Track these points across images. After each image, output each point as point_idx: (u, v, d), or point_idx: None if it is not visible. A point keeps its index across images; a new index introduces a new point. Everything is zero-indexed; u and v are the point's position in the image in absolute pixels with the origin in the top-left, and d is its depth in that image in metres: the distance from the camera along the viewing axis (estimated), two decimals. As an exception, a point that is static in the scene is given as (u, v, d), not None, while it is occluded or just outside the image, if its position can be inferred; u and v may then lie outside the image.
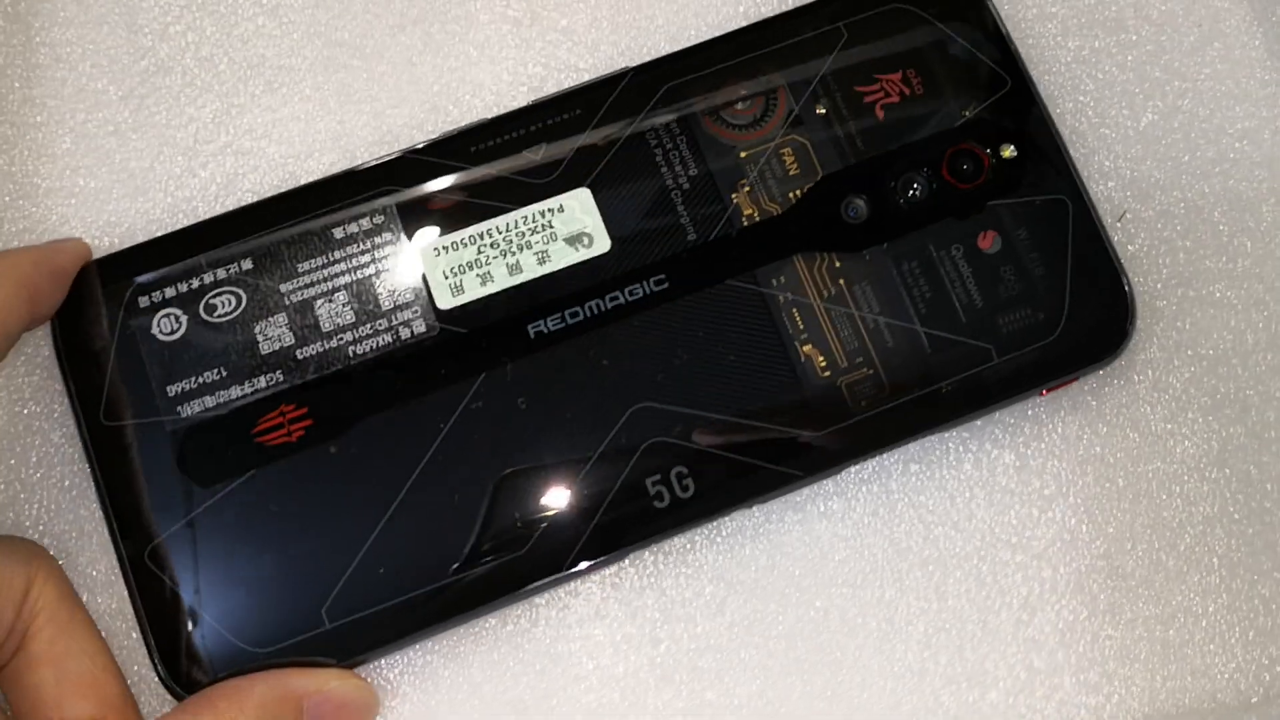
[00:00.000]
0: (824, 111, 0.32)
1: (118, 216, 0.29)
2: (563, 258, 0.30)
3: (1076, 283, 0.31)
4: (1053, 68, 0.34)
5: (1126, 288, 0.31)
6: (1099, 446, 0.32)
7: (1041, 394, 0.31)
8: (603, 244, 0.31)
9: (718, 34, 0.32)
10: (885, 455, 0.31)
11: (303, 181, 0.31)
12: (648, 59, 0.32)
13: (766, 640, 0.30)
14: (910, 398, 0.30)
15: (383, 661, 0.30)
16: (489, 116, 0.32)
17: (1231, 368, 0.32)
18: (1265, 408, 0.32)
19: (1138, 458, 0.32)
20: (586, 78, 0.33)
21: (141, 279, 0.30)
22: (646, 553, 0.30)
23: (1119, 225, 0.33)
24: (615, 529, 0.29)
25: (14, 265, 0.28)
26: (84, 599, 0.29)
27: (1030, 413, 0.32)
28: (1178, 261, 0.33)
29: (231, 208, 0.31)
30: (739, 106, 0.32)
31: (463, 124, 0.31)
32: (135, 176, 0.31)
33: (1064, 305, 0.31)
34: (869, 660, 0.30)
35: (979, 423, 0.31)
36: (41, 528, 0.30)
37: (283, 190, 0.31)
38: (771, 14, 0.33)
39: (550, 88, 0.33)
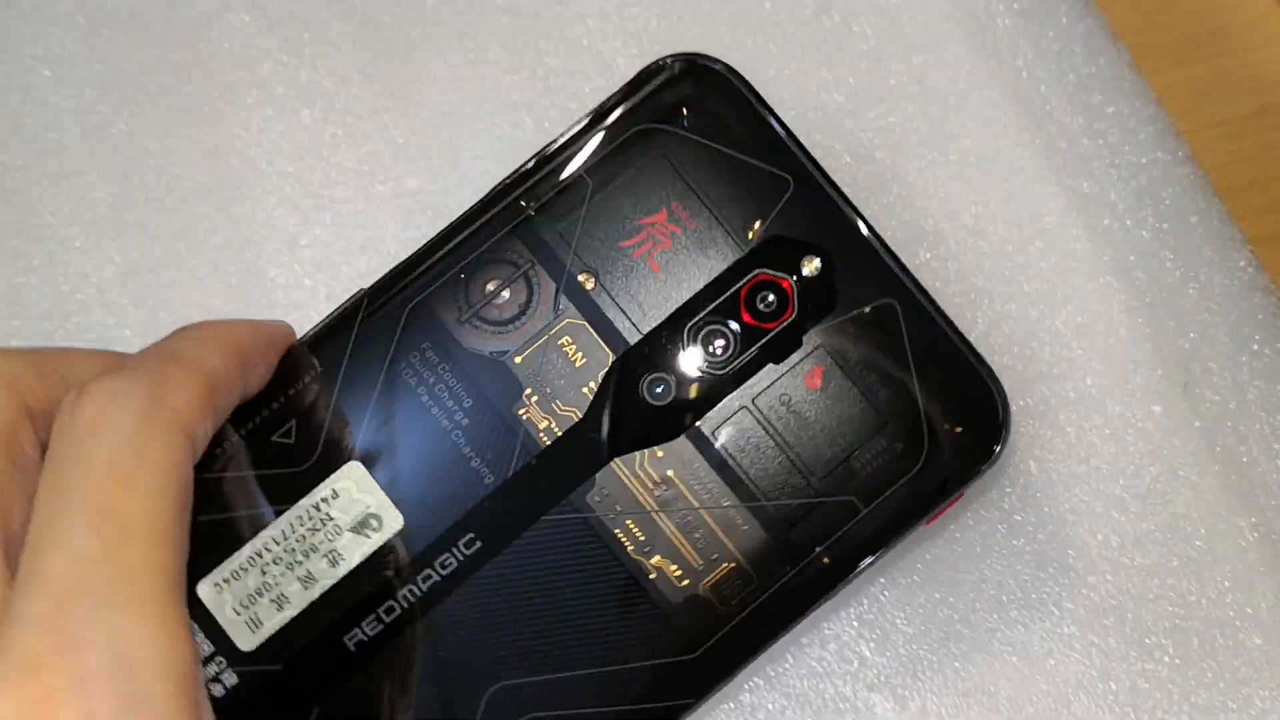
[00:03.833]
0: (592, 283, 0.27)
1: None
2: (356, 550, 0.27)
3: (926, 392, 0.27)
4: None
5: (989, 377, 0.27)
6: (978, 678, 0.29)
7: (925, 525, 0.27)
8: (394, 521, 0.27)
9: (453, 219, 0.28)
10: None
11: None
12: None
13: None
14: (784, 580, 0.27)
15: None
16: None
17: (1101, 575, 0.29)
18: (1140, 610, 0.29)
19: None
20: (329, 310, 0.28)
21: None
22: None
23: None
24: (508, 828, 0.26)
25: (231, 332, 0.25)
26: None
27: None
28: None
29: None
30: (497, 302, 0.27)
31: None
32: None
33: (921, 422, 0.27)
34: None
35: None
36: None
37: None
38: (506, 176, 0.28)
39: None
